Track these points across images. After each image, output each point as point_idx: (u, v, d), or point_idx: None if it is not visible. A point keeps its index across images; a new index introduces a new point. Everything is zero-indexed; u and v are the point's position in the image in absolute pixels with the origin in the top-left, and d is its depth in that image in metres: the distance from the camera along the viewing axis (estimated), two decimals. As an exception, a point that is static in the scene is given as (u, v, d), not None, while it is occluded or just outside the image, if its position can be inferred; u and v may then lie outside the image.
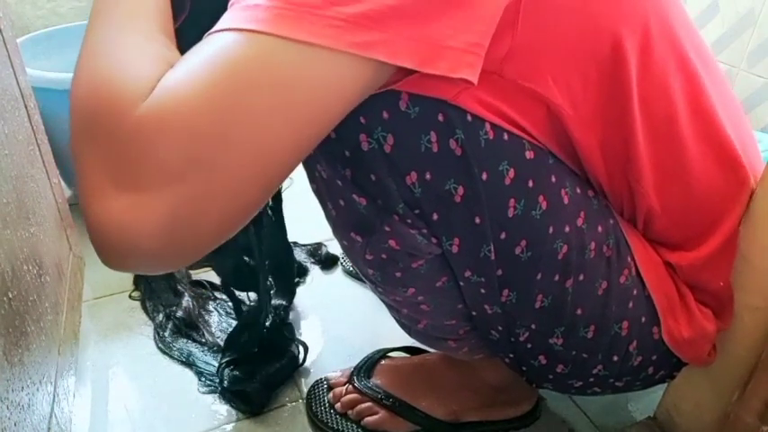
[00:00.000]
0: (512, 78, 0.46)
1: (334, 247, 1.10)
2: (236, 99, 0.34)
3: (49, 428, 0.63)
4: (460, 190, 0.48)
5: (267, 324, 0.82)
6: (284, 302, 0.88)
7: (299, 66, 0.35)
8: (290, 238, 1.12)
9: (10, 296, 0.57)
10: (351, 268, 1.05)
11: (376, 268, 0.55)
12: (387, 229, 0.50)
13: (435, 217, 0.49)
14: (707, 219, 0.56)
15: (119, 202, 0.33)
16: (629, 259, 0.56)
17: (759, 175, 0.55)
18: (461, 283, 0.54)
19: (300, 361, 0.84)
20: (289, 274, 0.89)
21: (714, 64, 0.55)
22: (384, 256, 0.53)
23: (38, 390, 0.62)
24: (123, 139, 0.34)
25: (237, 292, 0.85)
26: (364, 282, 1.02)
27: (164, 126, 0.33)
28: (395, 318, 0.66)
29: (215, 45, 0.36)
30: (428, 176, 0.47)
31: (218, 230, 0.37)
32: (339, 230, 0.56)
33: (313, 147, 0.39)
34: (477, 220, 0.49)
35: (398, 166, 0.47)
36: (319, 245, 1.10)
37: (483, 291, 0.54)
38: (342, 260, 1.07)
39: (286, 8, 0.35)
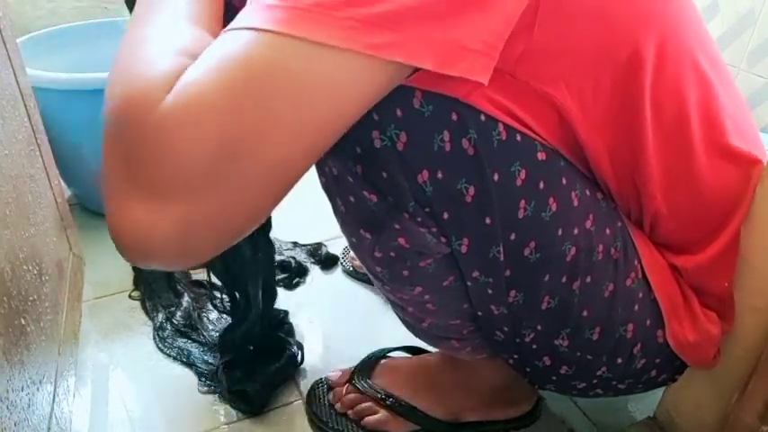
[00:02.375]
0: (524, 79, 0.46)
1: (334, 247, 1.10)
2: (253, 101, 0.35)
3: (48, 428, 0.63)
4: (471, 190, 0.48)
5: (257, 322, 0.82)
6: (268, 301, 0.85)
7: (315, 68, 0.35)
8: (290, 238, 1.13)
9: (10, 296, 0.57)
10: (351, 268, 1.05)
11: (384, 266, 0.55)
12: (396, 226, 0.50)
13: (446, 216, 0.49)
14: (714, 220, 0.56)
15: (136, 207, 0.35)
16: (635, 262, 0.56)
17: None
18: (469, 283, 0.54)
19: (299, 361, 0.84)
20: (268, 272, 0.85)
21: (722, 64, 0.55)
22: (393, 254, 0.53)
23: (38, 390, 0.61)
24: (144, 140, 0.34)
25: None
26: (364, 282, 1.03)
27: (181, 128, 0.34)
28: (399, 316, 0.66)
29: (233, 44, 0.36)
30: (440, 175, 0.47)
31: (229, 234, 0.38)
32: (348, 227, 0.55)
33: (327, 148, 0.40)
34: (488, 221, 0.49)
35: (410, 163, 0.47)
36: (319, 245, 1.10)
37: (490, 291, 0.54)
38: (342, 260, 1.07)
39: (303, 9, 0.35)
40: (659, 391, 0.70)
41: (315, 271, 1.06)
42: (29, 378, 0.59)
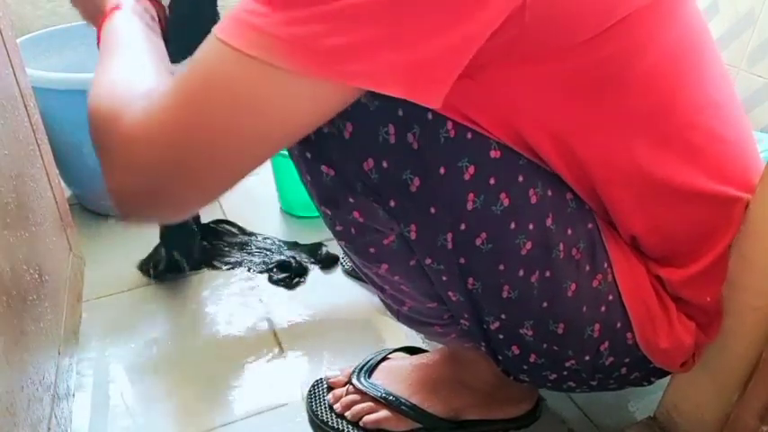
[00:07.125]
0: (486, 86, 0.47)
1: (334, 247, 1.09)
2: (209, 108, 0.39)
3: (49, 428, 0.63)
4: (417, 181, 0.49)
5: None
6: None
7: (278, 89, 0.38)
8: (291, 238, 1.13)
9: (10, 296, 0.57)
10: (351, 268, 1.05)
11: (347, 240, 0.57)
12: (351, 200, 0.52)
13: (392, 204, 0.51)
14: (699, 238, 0.56)
15: (114, 182, 0.43)
16: (605, 265, 0.56)
17: (757, 179, 0.55)
18: (426, 269, 0.56)
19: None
20: None
21: (716, 63, 0.55)
22: (353, 230, 0.55)
23: (38, 390, 0.62)
24: (115, 144, 0.41)
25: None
26: (364, 282, 1.03)
27: (142, 134, 0.40)
28: (381, 299, 0.67)
29: (202, 55, 0.40)
30: (385, 165, 0.49)
31: (187, 208, 0.45)
32: (315, 204, 0.57)
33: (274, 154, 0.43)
34: (433, 210, 0.50)
35: (356, 151, 0.48)
36: (319, 245, 1.10)
37: (444, 278, 0.55)
38: (342, 260, 1.07)
39: (291, 39, 0.36)
40: (659, 391, 0.70)
41: (315, 271, 1.06)
42: (29, 378, 0.59)
